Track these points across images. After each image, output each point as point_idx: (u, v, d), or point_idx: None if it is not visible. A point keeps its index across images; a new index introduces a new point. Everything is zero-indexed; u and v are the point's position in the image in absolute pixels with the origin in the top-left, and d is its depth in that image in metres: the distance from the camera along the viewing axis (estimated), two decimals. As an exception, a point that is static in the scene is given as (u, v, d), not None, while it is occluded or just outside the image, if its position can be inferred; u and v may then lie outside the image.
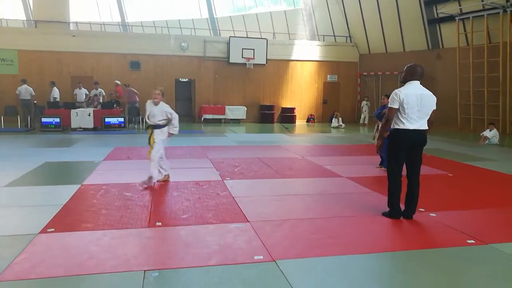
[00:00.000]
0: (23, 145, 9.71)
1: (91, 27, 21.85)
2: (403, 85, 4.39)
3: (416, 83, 4.31)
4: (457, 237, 3.91)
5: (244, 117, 17.72)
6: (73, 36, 16.30)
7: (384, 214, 4.58)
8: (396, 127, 4.33)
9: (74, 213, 4.50)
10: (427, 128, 4.36)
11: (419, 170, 4.47)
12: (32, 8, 19.49)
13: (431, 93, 4.35)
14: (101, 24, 20.53)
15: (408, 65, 4.42)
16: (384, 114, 6.79)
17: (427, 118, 4.33)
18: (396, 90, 4.32)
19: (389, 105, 4.36)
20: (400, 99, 4.22)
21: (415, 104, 4.21)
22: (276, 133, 14.16)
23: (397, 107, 4.26)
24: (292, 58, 18.63)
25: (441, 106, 17.87)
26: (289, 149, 9.89)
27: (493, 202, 5.27)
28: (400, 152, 4.36)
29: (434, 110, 4.34)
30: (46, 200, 5.01)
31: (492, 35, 14.50)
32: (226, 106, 17.51)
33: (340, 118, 16.63)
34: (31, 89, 13.86)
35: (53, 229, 3.94)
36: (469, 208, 4.96)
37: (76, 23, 19.90)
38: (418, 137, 4.29)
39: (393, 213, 4.50)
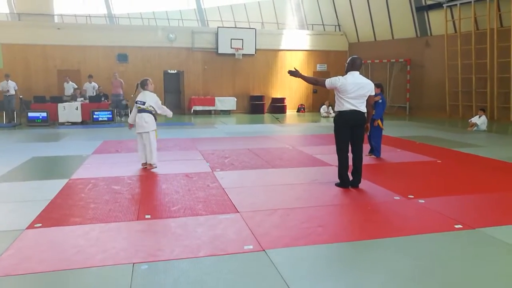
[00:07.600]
0: (10, 140, 9.57)
1: (77, 19, 21.46)
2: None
3: (355, 73, 5.07)
4: (445, 222, 3.94)
5: (234, 108, 17.63)
6: (58, 28, 16.01)
7: (336, 184, 5.28)
8: (338, 109, 5.10)
9: (62, 207, 4.44)
10: (365, 110, 5.12)
11: (361, 147, 5.21)
12: (15, 1, 19.08)
13: (369, 81, 5.13)
14: (86, 16, 20.17)
15: (350, 57, 5.21)
16: (376, 102, 6.86)
17: (365, 102, 5.08)
18: (339, 76, 5.09)
19: (330, 78, 5.11)
20: (338, 84, 5.00)
21: (352, 91, 4.95)
22: (267, 123, 14.14)
23: (332, 86, 5.04)
24: (281, 47, 18.54)
25: (430, 93, 17.82)
26: (279, 139, 9.88)
27: (481, 188, 5.32)
28: (344, 129, 5.10)
29: (371, 96, 5.13)
30: (33, 195, 4.94)
31: (480, 22, 14.56)
32: (215, 97, 17.40)
33: (330, 107, 16.64)
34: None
35: (41, 224, 3.89)
36: (457, 193, 5.00)
37: (61, 15, 19.55)
38: (357, 117, 5.04)
39: (342, 183, 5.22)
